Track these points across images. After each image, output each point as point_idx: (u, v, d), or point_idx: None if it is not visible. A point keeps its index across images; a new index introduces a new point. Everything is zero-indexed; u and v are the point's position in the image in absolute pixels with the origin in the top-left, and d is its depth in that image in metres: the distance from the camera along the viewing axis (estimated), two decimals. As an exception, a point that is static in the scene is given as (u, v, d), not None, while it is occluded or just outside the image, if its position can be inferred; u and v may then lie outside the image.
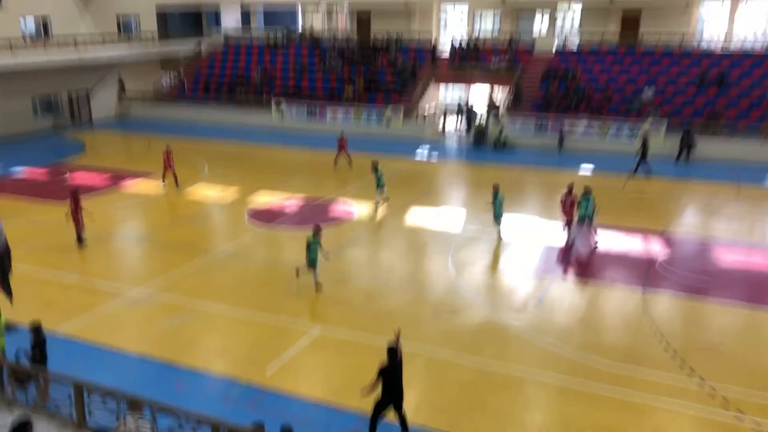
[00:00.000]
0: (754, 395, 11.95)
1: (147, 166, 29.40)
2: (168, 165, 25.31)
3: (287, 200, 23.86)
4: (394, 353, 10.53)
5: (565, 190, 19.81)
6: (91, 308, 15.49)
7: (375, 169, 22.87)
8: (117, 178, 27.38)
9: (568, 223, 19.68)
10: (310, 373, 12.90)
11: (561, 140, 32.22)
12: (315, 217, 22.25)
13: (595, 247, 19.23)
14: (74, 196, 19.27)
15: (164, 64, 46.77)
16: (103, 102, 42.59)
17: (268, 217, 22.13)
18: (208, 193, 24.89)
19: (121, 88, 43.70)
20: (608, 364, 13.01)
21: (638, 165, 26.84)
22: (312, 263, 16.04)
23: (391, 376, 10.46)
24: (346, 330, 14.40)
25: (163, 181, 25.71)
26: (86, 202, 23.47)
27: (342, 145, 28.45)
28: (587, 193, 19.11)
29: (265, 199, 24.17)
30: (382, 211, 22.60)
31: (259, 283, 16.96)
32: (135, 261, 18.71)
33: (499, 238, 19.77)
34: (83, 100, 41.14)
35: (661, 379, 12.51)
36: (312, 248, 15.92)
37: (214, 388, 12.36)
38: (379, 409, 10.60)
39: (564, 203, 19.67)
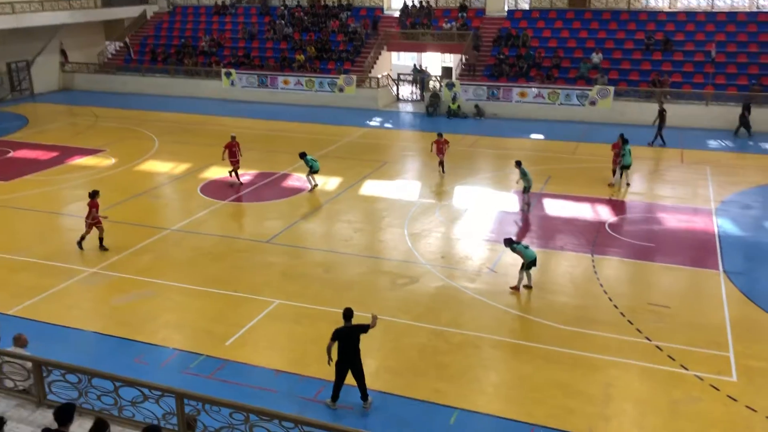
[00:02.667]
0: (696, 351, 12.60)
1: (94, 141, 28.60)
2: (234, 158, 22.45)
3: (241, 174, 23.53)
4: (350, 314, 10.75)
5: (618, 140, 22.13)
6: (43, 289, 15.19)
7: (302, 157, 22.05)
8: (63, 154, 26.59)
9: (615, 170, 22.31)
10: (269, 343, 13.05)
11: (477, 106, 32.72)
12: (270, 190, 22.14)
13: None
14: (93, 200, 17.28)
15: (108, 33, 45.21)
16: (45, 73, 41.00)
17: (221, 192, 21.88)
18: (160, 168, 24.37)
19: (64, 57, 42.14)
20: (560, 325, 13.50)
21: (660, 134, 27.06)
22: (533, 262, 15.05)
23: (345, 337, 10.69)
24: (304, 302, 14.52)
25: (239, 180, 22.62)
26: (32, 180, 22.89)
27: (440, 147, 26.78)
28: (626, 142, 21.72)
29: (217, 173, 23.81)
30: (319, 190, 22.04)
31: (215, 258, 16.90)
32: (87, 241, 18.31)
33: (528, 209, 19.81)
34: (23, 71, 39.58)
35: (610, 338, 13.06)
36: (526, 252, 14.90)
37: (173, 362, 12.40)
38: (340, 370, 10.85)
39: (615, 146, 22.20)
